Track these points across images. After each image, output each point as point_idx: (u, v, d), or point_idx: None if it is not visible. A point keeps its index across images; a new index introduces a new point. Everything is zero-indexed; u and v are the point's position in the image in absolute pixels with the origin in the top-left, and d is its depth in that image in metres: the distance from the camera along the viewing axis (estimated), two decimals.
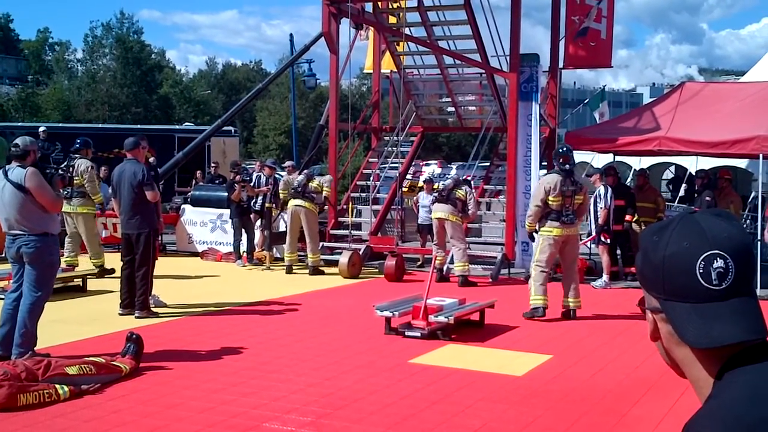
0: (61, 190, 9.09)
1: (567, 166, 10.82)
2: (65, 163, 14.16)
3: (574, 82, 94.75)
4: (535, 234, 11.24)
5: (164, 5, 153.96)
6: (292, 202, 15.06)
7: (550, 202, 10.68)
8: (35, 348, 7.90)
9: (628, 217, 14.47)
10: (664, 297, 1.53)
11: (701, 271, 1.47)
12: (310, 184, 15.26)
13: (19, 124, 25.80)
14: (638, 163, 20.22)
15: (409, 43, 17.54)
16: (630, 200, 14.59)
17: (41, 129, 21.68)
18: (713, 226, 1.51)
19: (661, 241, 1.54)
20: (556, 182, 10.71)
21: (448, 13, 17.41)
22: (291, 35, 35.16)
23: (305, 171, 16.27)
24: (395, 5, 17.26)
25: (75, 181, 13.80)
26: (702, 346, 1.47)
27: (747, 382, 1.42)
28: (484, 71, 16.86)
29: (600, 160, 19.98)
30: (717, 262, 1.47)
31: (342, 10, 16.04)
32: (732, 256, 1.47)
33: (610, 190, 13.84)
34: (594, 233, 13.88)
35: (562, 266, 11.23)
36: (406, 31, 16.70)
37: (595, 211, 13.74)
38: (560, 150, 11.12)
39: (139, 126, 32.08)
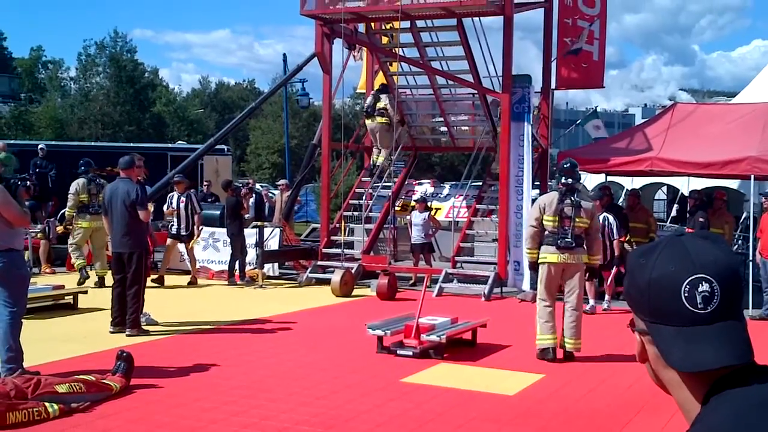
0: (26, 202, 9.00)
1: (570, 180, 9.55)
2: (30, 172, 14.29)
3: (567, 103, 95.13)
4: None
5: (156, 24, 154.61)
6: None
7: (545, 222, 9.45)
8: (22, 362, 7.85)
9: (621, 238, 14.50)
10: (650, 320, 1.52)
11: (686, 294, 1.46)
12: None
13: (12, 141, 25.69)
14: (630, 183, 20.29)
15: (402, 63, 17.61)
16: (623, 220, 14.63)
17: (40, 147, 21.62)
18: (700, 249, 1.51)
19: (647, 263, 1.53)
20: (552, 200, 9.51)
21: (440, 34, 17.51)
22: (284, 55, 35.21)
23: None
24: (388, 26, 17.34)
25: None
26: (687, 370, 1.46)
27: (733, 407, 1.41)
28: (476, 91, 16.92)
29: (592, 180, 20.04)
30: (702, 285, 1.46)
31: (335, 30, 16.12)
32: (718, 280, 1.47)
33: (611, 217, 13.07)
34: (615, 267, 13.17)
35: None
36: (399, 51, 16.77)
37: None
38: (564, 165, 9.88)
39: (132, 144, 32.04)
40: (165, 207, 16.07)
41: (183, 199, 15.83)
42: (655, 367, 1.56)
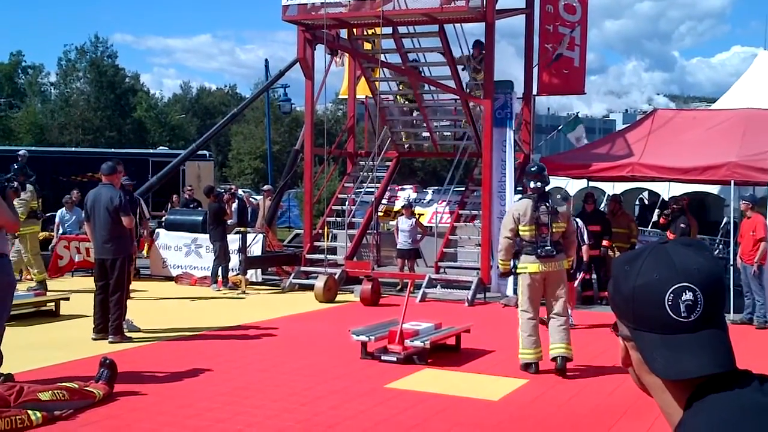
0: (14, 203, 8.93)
1: (539, 184, 9.13)
2: (11, 174, 14.12)
3: (548, 109, 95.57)
4: (514, 273, 9.49)
5: (137, 29, 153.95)
6: None
7: (521, 233, 9.04)
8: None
9: (605, 243, 14.59)
10: (634, 326, 1.54)
11: (670, 303, 1.48)
12: None
13: None
14: (612, 188, 20.41)
15: (384, 69, 17.64)
16: (606, 226, 14.73)
17: (21, 152, 21.47)
18: (683, 257, 1.53)
19: (631, 271, 1.55)
20: (525, 208, 9.06)
21: (423, 40, 17.56)
22: (266, 60, 35.15)
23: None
24: (370, 32, 17.37)
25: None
26: (669, 377, 1.49)
27: (714, 411, 1.44)
28: (459, 97, 16.98)
29: (574, 185, 20.15)
30: (686, 294, 1.48)
31: (317, 36, 16.14)
32: (701, 288, 1.49)
33: (581, 222, 12.41)
34: (582, 272, 12.95)
35: (546, 308, 9.35)
36: (381, 57, 16.81)
37: None
38: (530, 169, 9.51)
39: (113, 150, 31.94)
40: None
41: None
42: (638, 372, 1.58)
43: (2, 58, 77.25)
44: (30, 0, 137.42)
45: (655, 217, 19.57)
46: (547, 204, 9.07)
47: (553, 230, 9.02)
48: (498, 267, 9.85)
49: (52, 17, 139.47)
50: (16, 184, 11.91)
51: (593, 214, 14.76)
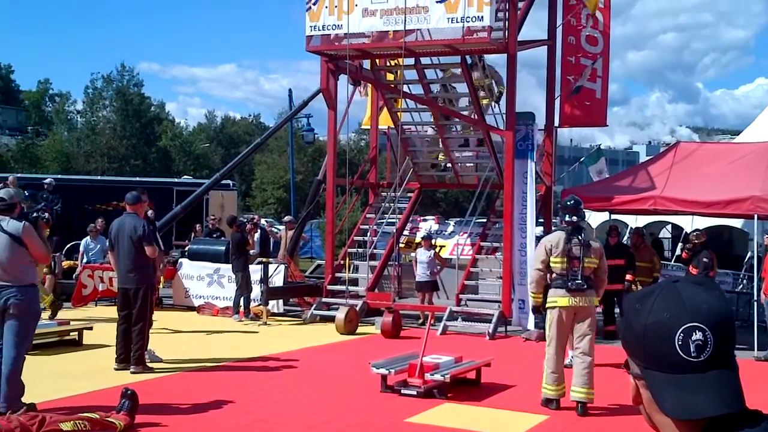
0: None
1: (574, 218, 9.03)
2: (41, 205, 14.21)
3: (571, 140, 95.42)
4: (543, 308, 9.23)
5: (163, 58, 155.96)
6: None
7: (552, 265, 8.88)
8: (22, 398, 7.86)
9: (628, 277, 14.38)
10: (644, 365, 1.57)
11: (680, 342, 1.51)
12: None
13: (20, 175, 25.84)
14: (635, 221, 20.31)
15: (406, 100, 17.74)
16: (630, 260, 14.58)
17: (47, 181, 21.73)
18: (694, 296, 1.55)
19: (642, 309, 1.57)
20: (558, 240, 8.92)
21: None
22: (290, 90, 35.64)
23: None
24: (393, 63, 17.49)
25: None
26: (679, 417, 1.50)
27: None
28: (480, 129, 17.02)
29: (596, 218, 20.08)
30: (696, 334, 1.50)
31: (340, 67, 16.25)
32: (711, 328, 1.51)
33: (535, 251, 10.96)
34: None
35: (571, 345, 9.18)
36: (404, 88, 16.91)
37: None
38: (567, 202, 9.29)
39: (137, 178, 32.24)
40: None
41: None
42: (648, 411, 1.60)
43: (30, 86, 78.62)
44: (58, 29, 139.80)
45: (678, 251, 19.44)
46: (580, 237, 8.92)
47: (585, 264, 8.85)
48: (530, 299, 9.63)
49: (79, 46, 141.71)
50: (47, 215, 12.04)
51: (617, 248, 14.66)
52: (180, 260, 17.89)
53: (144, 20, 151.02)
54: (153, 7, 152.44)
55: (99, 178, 35.52)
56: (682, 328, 1.51)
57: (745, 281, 17.79)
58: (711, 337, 1.51)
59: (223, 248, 17.41)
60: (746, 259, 18.58)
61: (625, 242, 16.85)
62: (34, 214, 8.63)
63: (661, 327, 1.53)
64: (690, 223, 19.31)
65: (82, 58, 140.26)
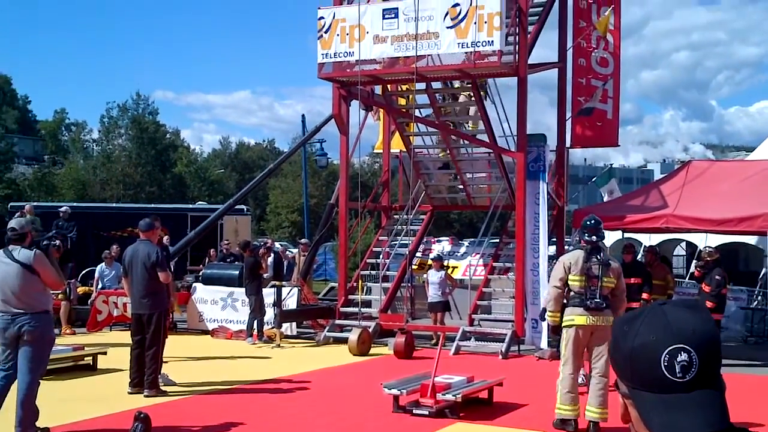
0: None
1: (594, 237, 8.95)
2: (52, 232, 14.30)
3: (585, 159, 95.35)
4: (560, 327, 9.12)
5: (178, 86, 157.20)
6: None
7: (570, 283, 8.85)
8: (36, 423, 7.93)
9: (645, 296, 14.27)
10: (632, 385, 1.62)
11: (666, 363, 1.55)
12: None
13: (36, 203, 26.10)
14: (648, 239, 20.28)
15: (418, 124, 17.85)
16: (646, 278, 14.47)
17: (63, 209, 21.92)
18: (679, 318, 1.60)
19: (630, 331, 1.63)
20: (577, 258, 8.89)
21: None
22: (303, 116, 35.65)
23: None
24: (404, 87, 17.62)
25: None
26: None
27: None
28: (492, 150, 17.09)
29: (610, 236, 20.04)
30: (681, 355, 1.55)
31: (352, 92, 16.37)
32: (696, 349, 1.56)
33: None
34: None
35: (587, 365, 9.10)
36: (415, 112, 17.01)
37: None
38: (587, 222, 9.20)
39: (152, 205, 32.43)
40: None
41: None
42: (636, 430, 1.64)
43: (47, 116, 79.40)
44: (74, 60, 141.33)
45: (692, 269, 19.37)
46: (599, 257, 8.89)
47: (603, 284, 8.80)
48: (547, 318, 9.47)
49: (95, 76, 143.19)
50: (58, 242, 12.19)
51: (633, 266, 14.59)
52: (194, 285, 18.00)
53: (159, 49, 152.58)
54: (167, 36, 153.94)
55: (114, 205, 35.80)
56: (668, 349, 1.56)
57: (759, 297, 17.72)
58: (696, 358, 1.55)
59: (237, 272, 17.51)
60: (761, 275, 18.51)
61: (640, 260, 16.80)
62: (45, 242, 8.73)
63: (647, 349, 1.58)
64: (704, 241, 19.26)
65: (98, 88, 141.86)
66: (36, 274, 7.90)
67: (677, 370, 1.55)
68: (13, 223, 8.24)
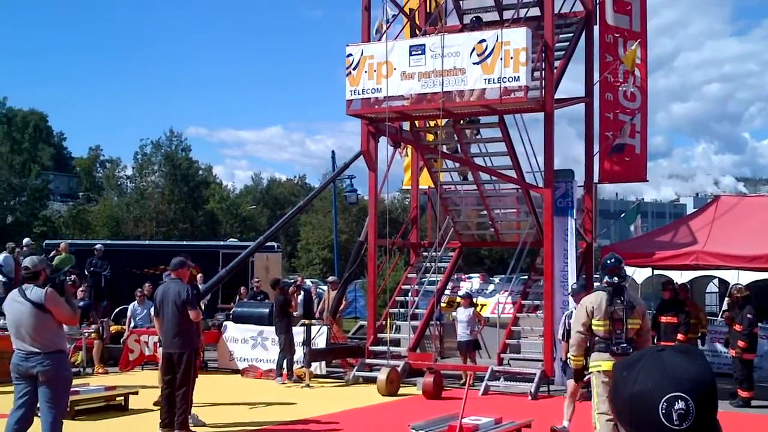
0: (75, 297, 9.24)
1: (615, 279, 8.70)
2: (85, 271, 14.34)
3: (616, 194, 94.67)
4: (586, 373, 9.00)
5: (211, 122, 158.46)
6: None
7: (595, 328, 8.64)
8: None
9: (680, 337, 14.05)
10: (631, 430, 1.66)
11: (663, 411, 1.60)
12: None
13: (70, 240, 26.43)
14: (680, 276, 20.09)
15: (446, 160, 17.90)
16: (685, 317, 14.26)
17: (97, 246, 22.18)
18: (677, 366, 1.64)
19: (629, 377, 1.67)
20: (600, 301, 8.63)
21: (483, 130, 17.82)
22: (333, 152, 35.89)
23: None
24: (432, 123, 17.71)
25: None
26: None
27: None
28: (520, 187, 17.08)
29: (640, 274, 19.91)
30: (678, 403, 1.60)
31: (380, 129, 16.48)
32: (693, 397, 1.60)
33: (574, 312, 9.97)
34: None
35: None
36: (443, 148, 17.08)
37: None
38: (607, 261, 8.94)
39: (184, 242, 32.69)
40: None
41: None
42: None
43: (82, 152, 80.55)
44: (109, 98, 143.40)
45: (725, 306, 19.15)
46: (623, 298, 8.65)
47: (628, 326, 8.59)
48: (569, 363, 9.37)
49: (130, 113, 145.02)
50: (73, 277, 12.33)
51: (671, 303, 14.40)
52: (225, 323, 18.09)
53: (192, 87, 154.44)
54: (202, 73, 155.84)
55: (146, 242, 36.11)
56: (666, 397, 1.60)
57: None
58: (693, 406, 1.59)
59: (267, 311, 17.59)
60: None
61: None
62: (62, 277, 8.84)
63: (645, 396, 1.62)
64: (736, 278, 19.05)
65: (132, 125, 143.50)
66: (48, 312, 7.99)
67: (674, 418, 1.59)
68: (26, 262, 8.36)
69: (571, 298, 12.37)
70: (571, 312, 10.77)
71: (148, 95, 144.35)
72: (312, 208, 54.06)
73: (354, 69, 15.96)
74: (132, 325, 17.90)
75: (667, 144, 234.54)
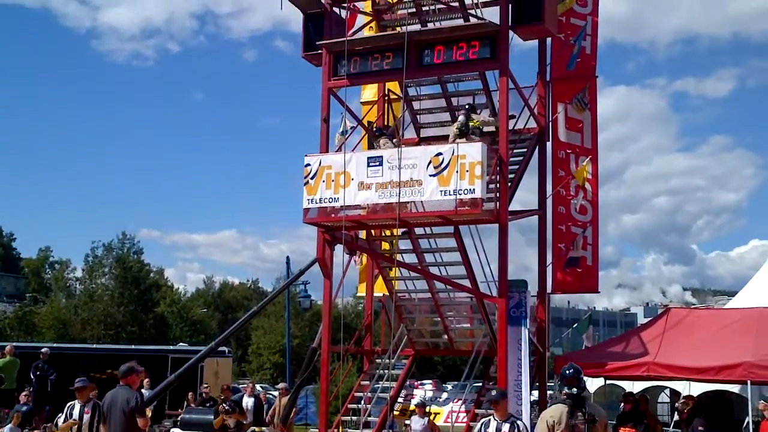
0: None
1: (575, 390, 8.53)
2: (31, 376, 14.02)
3: (568, 302, 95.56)
4: None
5: (164, 225, 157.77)
6: None
7: None
8: None
9: None
10: None
11: None
12: None
13: (16, 343, 25.81)
14: (632, 386, 20.20)
15: (401, 268, 18.03)
16: (644, 428, 14.28)
17: (43, 350, 21.73)
18: None
19: None
20: (560, 414, 8.45)
21: (438, 240, 18.04)
22: (287, 258, 35.98)
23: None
24: (387, 233, 17.90)
25: None
26: None
27: None
28: (474, 296, 17.22)
29: (592, 384, 19.97)
30: None
31: (336, 237, 16.60)
32: None
33: (521, 423, 10.50)
34: None
35: None
36: (398, 257, 17.22)
37: None
38: (566, 372, 8.76)
39: (133, 347, 32.12)
40: (61, 419, 12.71)
41: (87, 409, 12.39)
42: None
43: (31, 253, 79.45)
44: (61, 199, 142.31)
45: (676, 417, 19.25)
46: (584, 410, 8.48)
47: None
48: None
49: (81, 214, 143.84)
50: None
51: (632, 415, 14.44)
52: (172, 430, 17.67)
53: (145, 190, 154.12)
54: (155, 176, 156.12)
55: (94, 346, 35.39)
56: None
57: None
58: None
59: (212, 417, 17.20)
60: (744, 425, 18.36)
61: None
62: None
63: None
64: (687, 388, 19.21)
65: (84, 227, 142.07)
66: None
67: None
68: None
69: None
70: (488, 420, 10.51)
71: (101, 198, 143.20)
72: (264, 312, 53.63)
73: (312, 178, 16.18)
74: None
75: (618, 254, 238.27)
